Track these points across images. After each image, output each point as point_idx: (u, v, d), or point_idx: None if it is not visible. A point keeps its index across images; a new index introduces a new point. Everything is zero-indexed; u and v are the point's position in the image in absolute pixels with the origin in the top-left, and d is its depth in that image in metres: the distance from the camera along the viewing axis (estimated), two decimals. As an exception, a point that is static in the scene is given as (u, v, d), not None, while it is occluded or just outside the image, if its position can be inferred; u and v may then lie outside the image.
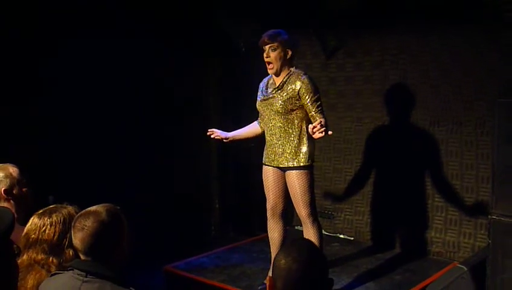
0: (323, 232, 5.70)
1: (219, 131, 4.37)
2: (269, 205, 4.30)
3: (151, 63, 5.43)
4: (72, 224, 2.32)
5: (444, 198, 5.09)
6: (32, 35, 4.66)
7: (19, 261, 2.47)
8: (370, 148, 5.56)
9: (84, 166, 5.00)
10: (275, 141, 4.13)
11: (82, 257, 2.31)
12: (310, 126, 3.70)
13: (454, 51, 4.98)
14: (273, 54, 4.02)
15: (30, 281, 2.44)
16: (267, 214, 4.33)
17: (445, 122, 5.07)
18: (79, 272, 2.26)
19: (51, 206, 2.65)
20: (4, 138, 4.22)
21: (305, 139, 4.06)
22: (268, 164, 4.23)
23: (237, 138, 4.45)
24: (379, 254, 5.24)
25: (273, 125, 4.12)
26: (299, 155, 4.05)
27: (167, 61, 5.63)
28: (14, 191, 3.19)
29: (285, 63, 4.06)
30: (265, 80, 4.28)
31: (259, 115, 4.31)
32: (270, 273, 4.23)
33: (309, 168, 4.10)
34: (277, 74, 4.08)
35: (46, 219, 2.55)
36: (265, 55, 4.05)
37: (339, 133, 5.66)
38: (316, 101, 3.96)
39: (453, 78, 5.00)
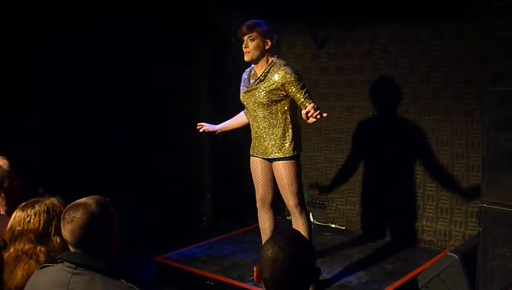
0: (315, 222, 5.79)
1: (208, 124, 4.44)
2: (258, 195, 4.32)
3: (144, 57, 5.44)
4: (62, 216, 2.30)
5: (435, 187, 5.11)
6: (32, 35, 4.63)
7: (5, 255, 2.48)
8: (361, 137, 5.57)
9: (75, 158, 4.99)
10: (260, 133, 4.13)
11: (72, 249, 2.29)
12: (303, 112, 3.68)
13: (444, 41, 4.98)
14: (251, 44, 4.00)
15: (19, 272, 2.43)
16: (257, 205, 4.35)
17: (435, 111, 5.08)
18: (69, 265, 2.24)
19: (33, 199, 2.64)
20: (4, 137, 4.21)
21: (290, 130, 4.05)
22: (256, 155, 4.24)
23: (225, 129, 4.50)
24: (370, 243, 5.26)
25: (257, 117, 4.11)
26: (285, 146, 4.05)
27: (160, 55, 5.62)
28: (4, 184, 3.18)
29: (264, 53, 4.03)
30: (247, 70, 4.27)
31: (245, 106, 4.31)
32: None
33: (295, 158, 4.10)
34: (255, 63, 4.07)
35: (29, 210, 2.55)
36: (243, 45, 4.04)
37: (330, 123, 5.66)
38: (301, 88, 3.92)
39: (443, 67, 5.00)
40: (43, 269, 2.33)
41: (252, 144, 4.26)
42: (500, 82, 4.39)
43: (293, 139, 4.06)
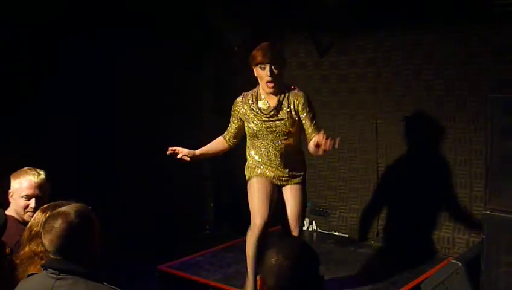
0: (318, 229, 5.78)
1: (183, 149, 4.08)
2: (262, 220, 3.81)
3: (147, 64, 5.44)
4: (43, 225, 2.36)
5: (438, 194, 5.09)
6: (32, 35, 4.65)
7: (21, 253, 2.57)
8: (363, 145, 5.57)
9: (76, 166, 4.99)
10: (278, 160, 3.92)
11: (52, 256, 2.34)
12: (312, 142, 3.64)
13: (447, 48, 4.98)
14: (277, 72, 3.76)
15: (31, 272, 2.49)
16: (256, 232, 3.84)
17: (438, 119, 5.07)
18: (52, 271, 2.30)
19: (57, 201, 2.67)
20: (5, 137, 4.23)
21: (302, 154, 4.07)
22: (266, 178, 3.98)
23: (205, 155, 4.25)
24: (374, 251, 5.25)
25: (275, 145, 3.90)
26: (301, 171, 4.03)
27: (162, 60, 5.63)
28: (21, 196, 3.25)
29: (282, 80, 3.90)
30: (248, 96, 3.97)
31: (252, 134, 3.97)
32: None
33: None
34: (276, 93, 3.85)
35: (48, 213, 2.58)
36: (267, 73, 3.75)
37: (332, 131, 5.63)
38: (313, 117, 3.89)
39: (446, 75, 5.00)
40: (29, 277, 2.40)
41: (255, 168, 4.01)
42: (504, 89, 4.38)
43: (304, 162, 4.08)
